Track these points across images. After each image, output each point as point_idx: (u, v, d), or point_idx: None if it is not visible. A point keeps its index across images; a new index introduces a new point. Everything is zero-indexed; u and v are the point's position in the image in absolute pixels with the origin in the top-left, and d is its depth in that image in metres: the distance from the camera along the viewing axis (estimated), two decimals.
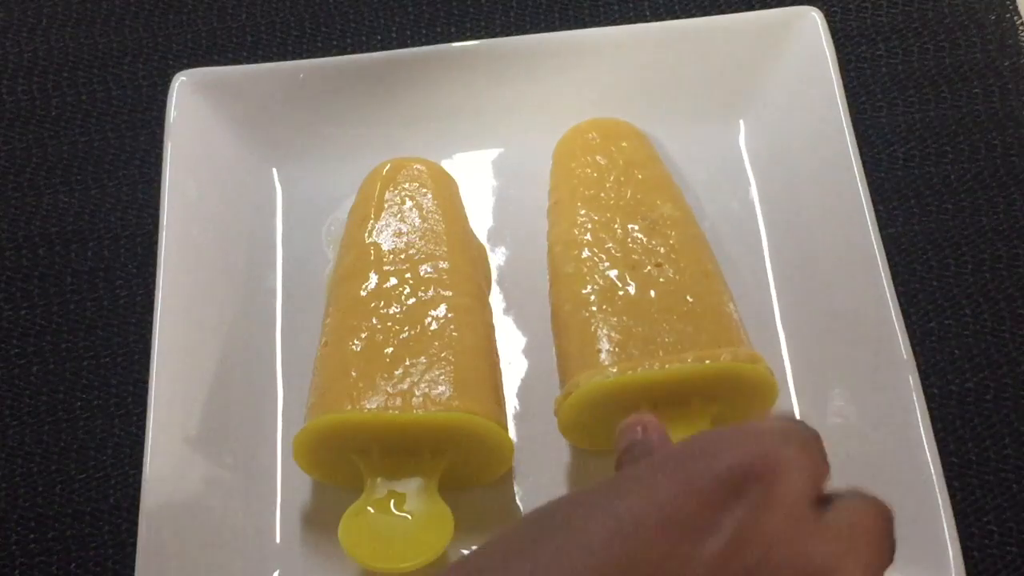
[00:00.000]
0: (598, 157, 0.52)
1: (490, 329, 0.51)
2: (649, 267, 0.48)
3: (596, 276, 0.48)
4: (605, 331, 0.46)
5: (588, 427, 0.46)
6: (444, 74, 0.56)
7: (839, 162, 0.51)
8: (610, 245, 0.49)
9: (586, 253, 0.49)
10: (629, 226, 0.49)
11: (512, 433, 0.49)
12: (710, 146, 0.56)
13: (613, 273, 0.48)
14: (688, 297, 0.47)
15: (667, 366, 0.44)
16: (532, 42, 0.57)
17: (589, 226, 0.50)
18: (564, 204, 0.52)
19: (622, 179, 0.51)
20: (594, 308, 0.47)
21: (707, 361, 0.44)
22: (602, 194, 0.51)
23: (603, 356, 0.45)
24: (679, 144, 0.56)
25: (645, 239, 0.49)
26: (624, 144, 0.53)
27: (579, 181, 0.52)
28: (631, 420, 0.39)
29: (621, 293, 0.47)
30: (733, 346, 0.45)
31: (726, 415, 0.45)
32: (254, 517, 0.48)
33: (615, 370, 0.44)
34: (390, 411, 0.45)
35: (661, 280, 0.47)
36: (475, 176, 0.56)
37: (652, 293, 0.47)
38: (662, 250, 0.48)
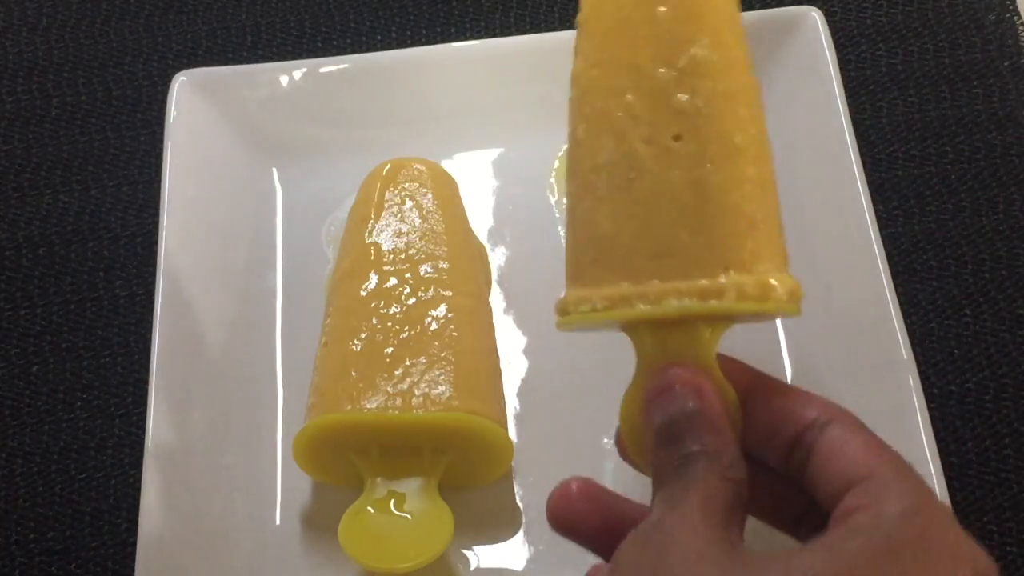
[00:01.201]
0: None
1: (490, 329, 0.51)
2: (666, 139, 0.37)
3: (601, 152, 0.38)
4: (598, 234, 0.38)
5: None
6: (444, 74, 0.56)
7: (839, 162, 0.51)
8: (628, 101, 0.38)
9: (599, 112, 0.38)
10: (653, 70, 0.37)
11: (512, 433, 0.49)
12: None
13: (621, 150, 0.37)
14: (694, 191, 0.37)
15: (654, 307, 0.36)
16: (532, 42, 0.57)
17: (609, 68, 0.38)
18: (586, 26, 0.39)
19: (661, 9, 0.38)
20: (594, 200, 0.38)
21: (704, 299, 0.36)
22: (628, 12, 0.38)
23: (592, 273, 0.38)
24: None
25: (668, 91, 0.37)
26: None
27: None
28: (671, 378, 0.35)
29: (627, 179, 0.37)
30: (739, 270, 0.36)
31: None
32: (254, 517, 0.48)
33: (599, 298, 0.37)
34: (390, 411, 0.45)
35: (673, 162, 0.37)
36: (475, 176, 0.56)
37: (662, 184, 0.37)
38: (687, 110, 0.37)
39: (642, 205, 0.37)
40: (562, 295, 0.39)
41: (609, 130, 0.38)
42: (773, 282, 0.36)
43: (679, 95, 0.37)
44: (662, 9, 0.37)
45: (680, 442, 0.34)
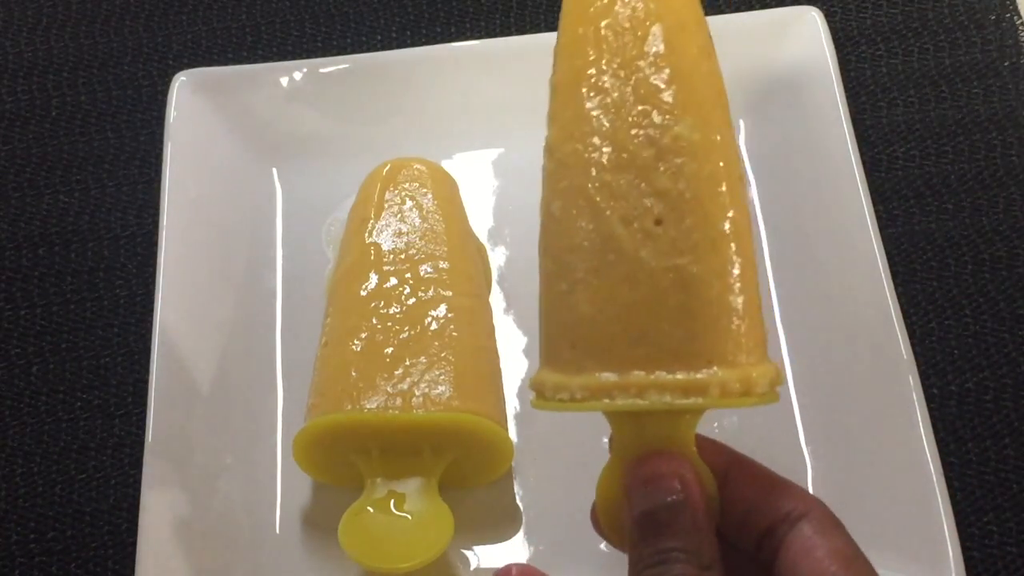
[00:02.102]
0: (606, 26, 0.37)
1: (490, 329, 0.51)
2: (647, 222, 0.36)
3: (577, 233, 0.37)
4: (572, 321, 0.37)
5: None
6: (444, 74, 0.56)
7: (839, 162, 0.51)
8: (607, 176, 0.37)
9: (575, 188, 0.37)
10: (634, 148, 0.36)
11: (512, 433, 0.49)
12: None
13: (600, 231, 0.36)
14: (677, 279, 0.36)
15: (639, 399, 0.35)
16: (532, 42, 0.57)
17: (583, 143, 0.37)
18: (562, 91, 0.39)
19: (640, 58, 0.37)
20: (569, 284, 0.38)
21: (689, 396, 0.35)
22: (607, 81, 0.37)
23: (569, 359, 0.38)
24: None
25: (649, 171, 0.36)
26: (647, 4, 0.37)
27: (583, 55, 0.38)
28: (657, 468, 0.35)
29: (605, 262, 0.36)
30: (723, 365, 0.36)
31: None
32: (254, 517, 0.48)
33: (577, 386, 0.37)
34: (390, 411, 0.45)
35: (654, 249, 0.36)
36: (475, 176, 0.56)
37: (641, 271, 0.36)
38: (665, 199, 0.36)
39: (621, 290, 0.36)
40: (537, 373, 0.38)
41: (587, 209, 0.37)
42: (755, 375, 0.35)
43: (661, 177, 0.36)
44: (645, 82, 0.36)
45: (659, 537, 0.34)
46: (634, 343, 0.36)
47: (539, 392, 0.38)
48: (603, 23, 0.37)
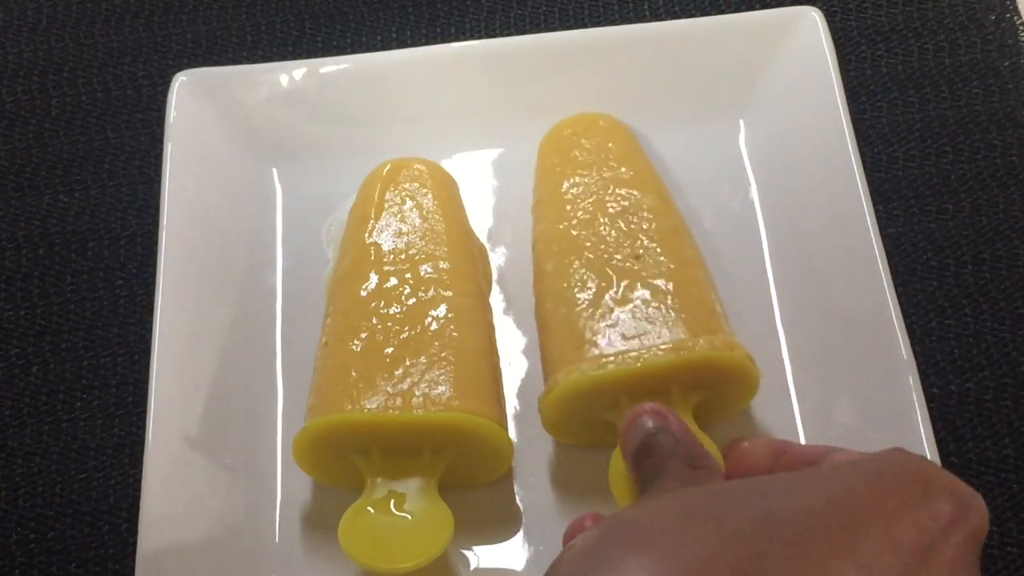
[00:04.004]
0: (577, 153, 0.52)
1: (490, 329, 0.51)
2: (628, 260, 0.48)
3: (575, 272, 0.48)
4: (583, 326, 0.46)
5: (570, 423, 0.47)
6: (444, 74, 0.56)
7: (839, 162, 0.51)
8: (590, 241, 0.49)
9: (566, 249, 0.49)
10: (608, 220, 0.49)
11: (512, 433, 0.49)
12: (710, 146, 0.56)
13: (592, 268, 0.48)
14: (665, 288, 0.47)
15: (644, 358, 0.44)
16: (532, 42, 0.57)
17: (569, 222, 0.50)
18: (545, 202, 0.52)
19: (604, 174, 0.51)
20: (573, 304, 0.47)
21: (682, 352, 0.44)
22: (581, 190, 0.51)
23: (581, 351, 0.45)
24: (679, 144, 0.56)
25: (624, 231, 0.49)
26: (604, 137, 0.53)
27: (559, 178, 0.52)
28: (636, 411, 0.40)
29: (601, 286, 0.47)
30: (711, 334, 0.45)
31: (708, 403, 0.45)
32: (254, 517, 0.48)
33: (590, 366, 0.44)
34: (390, 411, 0.45)
35: (639, 272, 0.47)
36: (475, 176, 0.56)
37: (630, 286, 0.47)
38: (641, 241, 0.48)
39: (613, 303, 0.46)
40: (542, 392, 0.46)
41: (577, 258, 0.48)
42: (737, 342, 0.45)
43: (638, 229, 0.49)
44: (608, 175, 0.51)
45: (649, 457, 0.38)
46: (628, 338, 0.45)
47: (549, 388, 0.45)
48: (572, 153, 0.53)
